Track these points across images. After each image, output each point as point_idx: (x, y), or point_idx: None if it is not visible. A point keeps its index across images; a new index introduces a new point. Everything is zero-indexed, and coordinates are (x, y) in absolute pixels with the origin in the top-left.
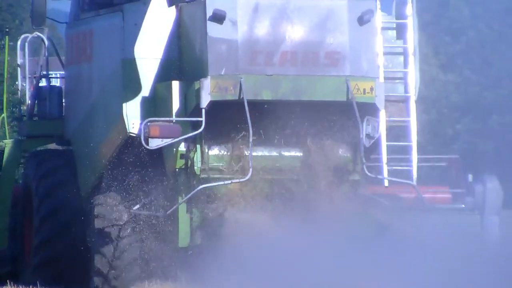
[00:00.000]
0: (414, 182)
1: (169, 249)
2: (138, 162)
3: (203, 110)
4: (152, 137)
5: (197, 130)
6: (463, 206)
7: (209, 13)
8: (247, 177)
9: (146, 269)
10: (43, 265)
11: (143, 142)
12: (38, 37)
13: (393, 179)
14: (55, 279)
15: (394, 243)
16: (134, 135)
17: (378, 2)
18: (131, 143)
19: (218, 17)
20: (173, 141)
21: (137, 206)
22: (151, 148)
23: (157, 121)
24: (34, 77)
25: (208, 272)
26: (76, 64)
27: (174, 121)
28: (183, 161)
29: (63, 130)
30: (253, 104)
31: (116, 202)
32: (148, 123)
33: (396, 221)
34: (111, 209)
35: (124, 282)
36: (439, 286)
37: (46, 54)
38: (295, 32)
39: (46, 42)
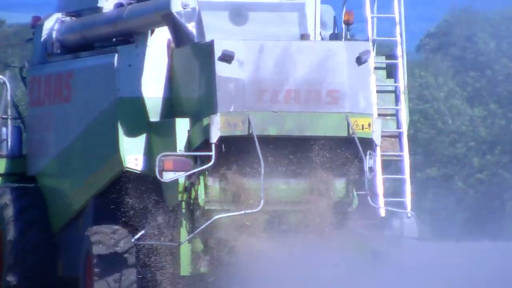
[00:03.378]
0: (410, 212)
1: (171, 277)
2: (132, 194)
3: (213, 145)
4: (166, 171)
5: (204, 164)
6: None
7: (217, 53)
8: (259, 208)
9: None
10: None
11: (157, 175)
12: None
13: (392, 208)
14: None
15: (391, 270)
16: (130, 169)
17: (371, 43)
18: (124, 176)
19: (227, 58)
20: (185, 174)
21: (138, 235)
22: (165, 180)
23: (170, 155)
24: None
25: None
26: (46, 105)
27: (184, 156)
28: (186, 194)
29: (24, 167)
30: (258, 139)
31: (111, 231)
32: (162, 157)
33: (392, 249)
34: (108, 237)
35: None
36: None
37: (9, 96)
38: (298, 72)
39: (8, 85)
